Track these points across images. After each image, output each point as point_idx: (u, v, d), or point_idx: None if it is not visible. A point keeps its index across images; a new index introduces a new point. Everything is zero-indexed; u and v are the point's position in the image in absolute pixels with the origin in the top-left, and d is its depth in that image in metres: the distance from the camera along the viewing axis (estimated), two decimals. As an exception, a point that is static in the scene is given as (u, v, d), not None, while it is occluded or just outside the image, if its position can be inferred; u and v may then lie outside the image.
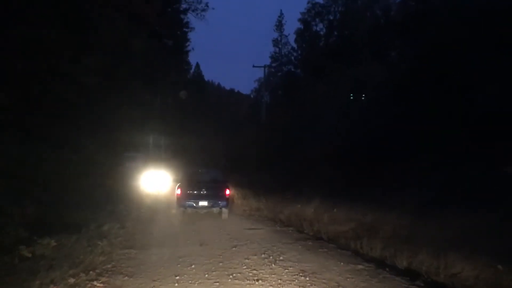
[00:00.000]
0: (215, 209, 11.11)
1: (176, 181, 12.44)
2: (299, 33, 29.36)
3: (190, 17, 30.11)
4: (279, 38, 48.15)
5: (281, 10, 46.36)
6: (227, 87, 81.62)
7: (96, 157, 17.97)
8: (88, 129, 17.16)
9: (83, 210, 10.24)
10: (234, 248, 7.08)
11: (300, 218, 10.90)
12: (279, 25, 48.11)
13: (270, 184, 17.24)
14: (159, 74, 23.61)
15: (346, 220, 9.57)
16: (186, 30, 29.90)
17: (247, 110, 55.95)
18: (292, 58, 34.46)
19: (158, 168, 17.62)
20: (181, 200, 10.89)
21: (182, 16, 30.10)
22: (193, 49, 33.90)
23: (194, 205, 10.82)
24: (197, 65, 57.98)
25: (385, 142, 11.86)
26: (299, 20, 28.54)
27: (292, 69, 35.82)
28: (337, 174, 13.60)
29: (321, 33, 28.17)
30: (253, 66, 27.20)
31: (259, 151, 25.28)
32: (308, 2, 27.55)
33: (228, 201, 11.29)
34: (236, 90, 78.69)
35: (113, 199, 13.86)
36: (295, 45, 34.66)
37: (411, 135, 10.90)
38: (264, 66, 27.12)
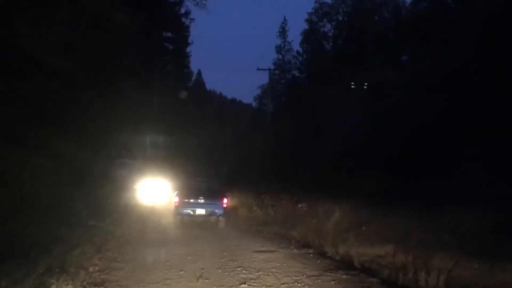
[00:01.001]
0: (212, 218, 10.96)
1: (174, 189, 12.39)
2: (306, 34, 27.65)
3: (190, 5, 28.04)
4: (282, 45, 46.50)
5: (284, 17, 45.00)
6: (229, 97, 79.87)
7: (84, 163, 16.11)
8: (74, 131, 15.30)
9: (57, 228, 8.32)
10: (243, 286, 5.09)
11: (319, 236, 8.92)
12: (283, 32, 46.51)
13: (278, 194, 15.25)
14: (156, 70, 21.80)
15: (379, 241, 7.59)
16: (185, 21, 27.95)
17: (249, 118, 54.21)
18: (297, 62, 32.78)
19: (155, 177, 15.70)
20: (178, 208, 10.88)
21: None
22: (193, 42, 31.74)
23: (192, 213, 10.75)
24: (199, 72, 56.50)
25: (423, 147, 9.90)
26: (306, 20, 26.91)
27: (297, 74, 34.06)
28: (359, 183, 11.64)
29: (329, 34, 26.50)
30: (258, 69, 25.54)
31: (265, 159, 23.33)
32: (315, 2, 25.91)
33: (226, 210, 11.16)
34: (237, 100, 77.13)
35: (100, 212, 11.95)
36: (299, 50, 32.99)
37: (456, 141, 8.96)
38: (269, 69, 25.37)
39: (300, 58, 32.50)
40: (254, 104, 51.97)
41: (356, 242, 7.90)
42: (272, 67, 47.12)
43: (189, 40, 32.02)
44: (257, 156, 25.61)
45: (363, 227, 8.44)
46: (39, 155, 11.49)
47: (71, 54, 14.69)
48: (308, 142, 18.87)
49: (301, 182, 15.78)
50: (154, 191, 15.27)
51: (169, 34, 32.12)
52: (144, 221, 11.88)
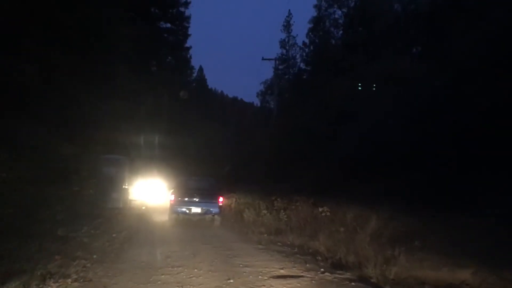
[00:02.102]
0: (208, 216, 10.87)
1: (170, 188, 12.05)
2: (314, 22, 25.43)
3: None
4: (286, 39, 44.42)
5: (289, 10, 42.87)
6: (230, 96, 77.94)
7: (69, 159, 14.00)
8: (57, 122, 13.16)
9: (8, 241, 6.24)
10: None
11: (354, 251, 6.75)
12: (287, 26, 44.42)
13: (289, 195, 13.11)
14: (154, 62, 19.64)
15: (444, 261, 5.44)
16: (183, 10, 25.83)
17: (252, 115, 52.17)
18: (304, 54, 30.60)
19: (149, 176, 13.63)
20: (174, 206, 10.70)
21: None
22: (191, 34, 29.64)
23: (187, 211, 10.61)
24: (200, 68, 54.45)
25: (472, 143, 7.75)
26: (315, 6, 24.69)
27: (303, 67, 31.85)
28: (391, 186, 9.49)
29: (340, 21, 24.28)
30: (263, 59, 23.34)
31: (271, 156, 21.17)
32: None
33: (221, 208, 11.05)
34: (239, 98, 75.33)
35: (80, 218, 9.86)
36: (305, 41, 30.75)
37: None
38: (275, 59, 23.22)
39: (306, 50, 30.40)
40: (257, 101, 49.91)
41: (408, 263, 5.73)
42: (275, 63, 45.18)
43: (189, 32, 29.99)
44: (263, 153, 23.46)
45: (416, 242, 6.28)
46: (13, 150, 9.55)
47: (50, 34, 12.60)
48: (321, 138, 16.72)
49: (314, 182, 13.64)
50: (148, 192, 13.19)
51: (168, 25, 30.10)
52: (132, 229, 9.74)
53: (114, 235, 8.67)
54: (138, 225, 10.40)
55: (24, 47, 12.21)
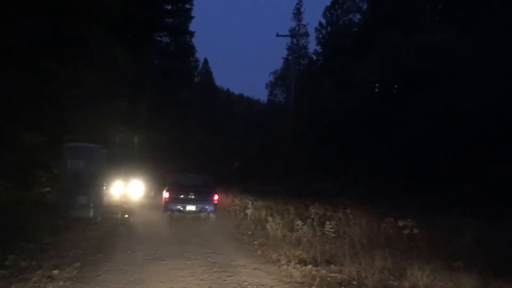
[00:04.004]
0: (203, 214, 10.28)
1: (164, 185, 11.13)
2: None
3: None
4: (297, 28, 40.66)
5: (300, -4, 38.92)
6: (236, 93, 74.31)
7: (32, 151, 10.40)
8: (15, 104, 9.51)
9: None
10: None
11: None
12: (297, 13, 40.72)
13: (327, 198, 9.34)
14: (148, 40, 15.89)
15: None
16: None
17: (261, 107, 48.55)
18: (320, 36, 26.67)
19: (127, 175, 9.96)
20: (168, 204, 10.07)
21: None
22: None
23: (182, 209, 10.07)
24: (205, 60, 50.69)
25: None
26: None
27: (320, 50, 27.90)
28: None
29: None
30: (277, 35, 19.54)
31: (287, 151, 17.35)
32: None
33: (216, 206, 10.36)
34: (245, 96, 71.91)
35: (17, 237, 6.25)
36: (321, 23, 26.84)
37: None
38: (291, 35, 19.43)
39: (323, 32, 26.45)
40: (263, 98, 46.16)
41: None
42: (286, 51, 41.30)
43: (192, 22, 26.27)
44: (276, 147, 19.67)
45: None
46: None
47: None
48: (365, 125, 12.81)
49: (364, 180, 9.82)
50: (125, 194, 9.52)
51: (168, 7, 26.40)
52: (95, 260, 5.95)
53: (55, 271, 4.92)
54: (111, 250, 6.62)
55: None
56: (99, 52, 10.33)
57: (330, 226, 6.95)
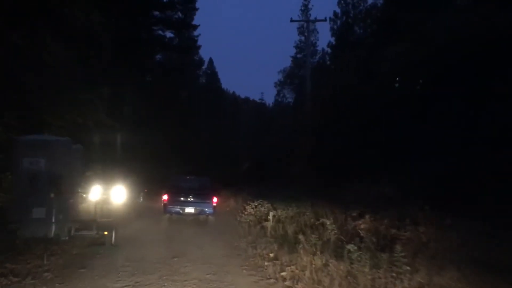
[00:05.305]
0: (202, 217, 10.28)
1: (163, 188, 10.93)
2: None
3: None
4: (305, 25, 38.28)
5: (308, -10, 36.52)
6: (242, 96, 71.95)
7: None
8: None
9: None
10: None
11: None
12: (305, 10, 38.34)
13: (375, 207, 6.83)
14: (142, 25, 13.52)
15: None
16: None
17: (269, 111, 46.25)
18: (335, 27, 24.21)
19: (108, 178, 7.57)
20: (167, 206, 10.04)
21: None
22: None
23: (181, 211, 10.00)
24: (210, 60, 48.34)
25: None
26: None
27: (333, 42, 25.40)
28: None
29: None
30: (291, 21, 17.22)
31: (304, 149, 14.84)
32: None
33: (215, 208, 10.17)
34: (251, 99, 69.66)
35: None
36: (335, 13, 24.37)
37: None
38: (306, 20, 17.10)
39: (338, 22, 23.99)
40: (270, 101, 43.66)
41: None
42: (294, 49, 38.83)
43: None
44: (291, 146, 17.18)
45: None
46: None
47: None
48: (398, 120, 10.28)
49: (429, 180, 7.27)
50: (109, 205, 7.08)
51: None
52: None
53: None
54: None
55: None
56: (73, 20, 7.95)
57: (402, 252, 4.44)
